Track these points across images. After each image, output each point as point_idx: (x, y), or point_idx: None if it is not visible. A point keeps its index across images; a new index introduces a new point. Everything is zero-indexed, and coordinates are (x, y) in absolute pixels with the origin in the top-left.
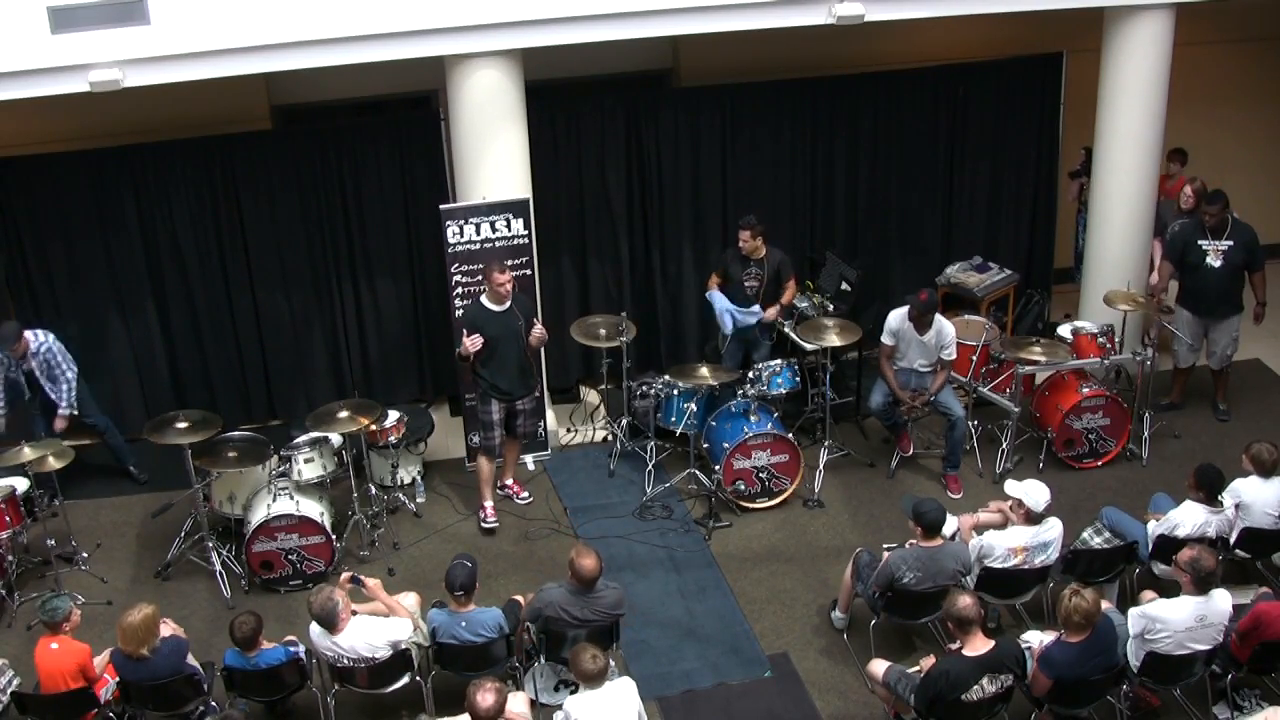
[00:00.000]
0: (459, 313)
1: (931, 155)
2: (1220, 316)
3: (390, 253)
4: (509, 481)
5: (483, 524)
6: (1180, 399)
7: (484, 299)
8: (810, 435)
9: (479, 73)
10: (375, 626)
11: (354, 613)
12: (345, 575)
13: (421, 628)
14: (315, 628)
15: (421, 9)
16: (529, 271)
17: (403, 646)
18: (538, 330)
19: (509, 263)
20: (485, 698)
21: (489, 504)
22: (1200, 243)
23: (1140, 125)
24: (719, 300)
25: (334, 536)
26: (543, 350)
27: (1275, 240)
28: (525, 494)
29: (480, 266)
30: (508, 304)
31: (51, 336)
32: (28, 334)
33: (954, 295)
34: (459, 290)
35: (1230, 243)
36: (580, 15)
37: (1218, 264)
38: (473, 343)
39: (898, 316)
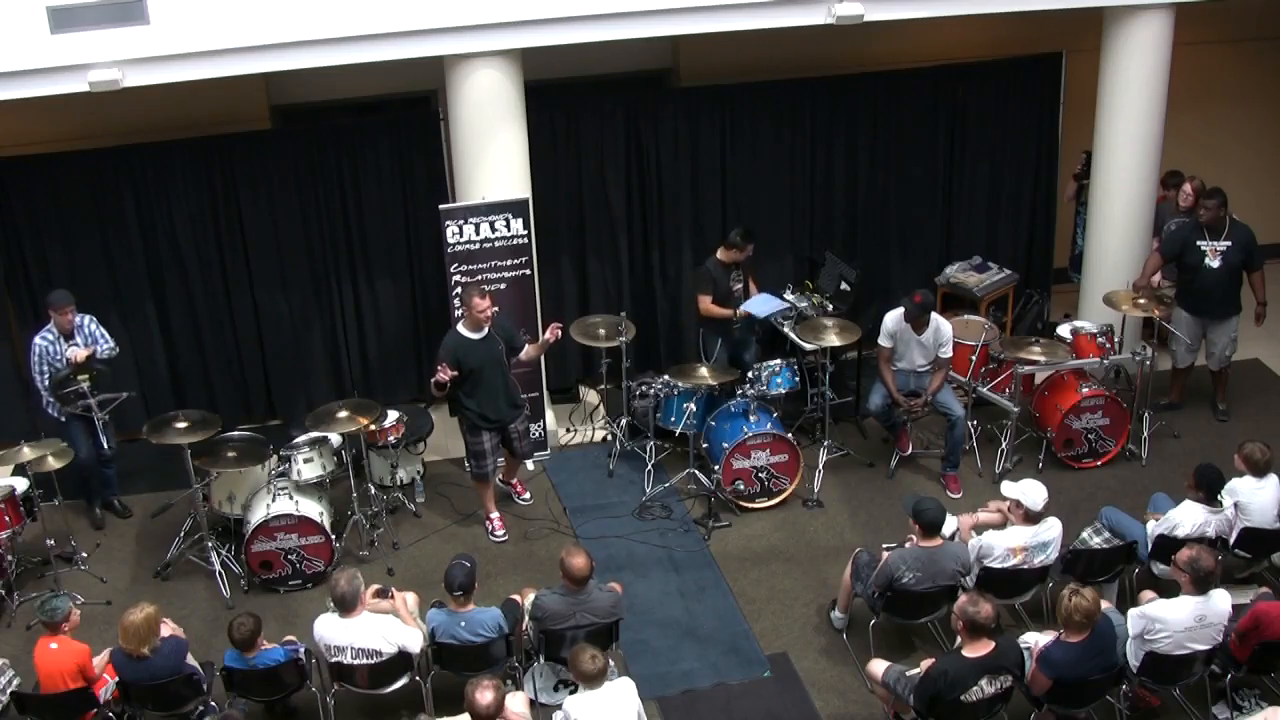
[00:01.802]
0: (458, 307)
1: (931, 155)
2: (1219, 317)
3: (390, 252)
4: (512, 480)
5: (492, 536)
6: (1179, 399)
7: (461, 327)
8: (810, 435)
9: (478, 73)
10: (390, 623)
11: None
12: (374, 588)
13: (423, 630)
14: (324, 617)
15: (421, 9)
16: (528, 271)
17: (411, 652)
18: (537, 349)
19: (508, 262)
20: (483, 695)
21: (495, 515)
22: (1199, 243)
23: (1140, 125)
24: (768, 303)
25: (333, 536)
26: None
27: (1275, 240)
28: (526, 494)
29: (478, 266)
30: (486, 330)
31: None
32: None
33: (954, 295)
34: (458, 290)
35: (1229, 243)
36: (580, 15)
37: (1216, 264)
38: (443, 371)
39: (894, 318)
